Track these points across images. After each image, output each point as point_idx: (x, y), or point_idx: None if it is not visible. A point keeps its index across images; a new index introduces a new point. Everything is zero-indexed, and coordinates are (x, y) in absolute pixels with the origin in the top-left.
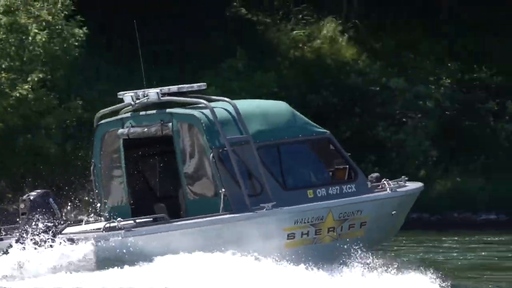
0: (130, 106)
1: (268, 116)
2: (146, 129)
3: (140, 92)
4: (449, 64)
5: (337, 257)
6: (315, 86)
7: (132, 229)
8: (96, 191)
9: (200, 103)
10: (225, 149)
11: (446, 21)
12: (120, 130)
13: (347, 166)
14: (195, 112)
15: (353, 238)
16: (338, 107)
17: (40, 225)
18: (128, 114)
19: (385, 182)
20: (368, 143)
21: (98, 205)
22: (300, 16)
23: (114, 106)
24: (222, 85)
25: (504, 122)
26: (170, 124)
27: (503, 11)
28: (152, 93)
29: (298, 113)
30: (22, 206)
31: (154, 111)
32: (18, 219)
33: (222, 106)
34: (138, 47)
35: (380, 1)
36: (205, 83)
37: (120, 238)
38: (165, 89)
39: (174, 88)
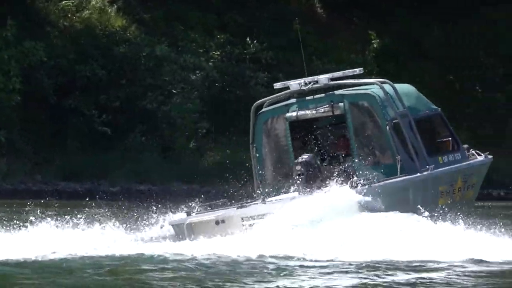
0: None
1: (409, 96)
2: (315, 111)
3: (303, 80)
4: (218, 37)
5: (462, 214)
6: (84, 56)
7: (372, 185)
8: (257, 171)
9: (375, 83)
10: (395, 121)
11: None
12: (288, 114)
13: (451, 138)
14: (370, 92)
15: (468, 197)
16: (107, 76)
17: (316, 182)
18: (293, 100)
19: (473, 151)
20: (137, 113)
21: (256, 184)
22: None
23: (274, 95)
24: None
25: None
26: (341, 104)
27: None
28: (323, 79)
29: (421, 94)
30: (298, 167)
31: (322, 95)
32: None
33: (384, 86)
34: None
35: None
36: (361, 68)
37: (369, 190)
38: (330, 75)
39: (339, 74)
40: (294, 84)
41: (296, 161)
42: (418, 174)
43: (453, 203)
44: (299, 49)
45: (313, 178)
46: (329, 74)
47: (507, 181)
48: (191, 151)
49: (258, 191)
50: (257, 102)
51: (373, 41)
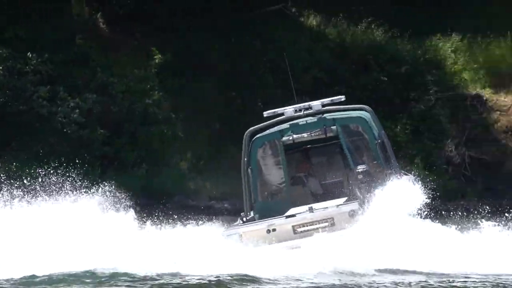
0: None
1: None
2: (309, 134)
3: (293, 107)
4: (0, 51)
5: None
6: None
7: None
8: (250, 192)
9: (365, 109)
10: (379, 140)
11: None
12: (285, 138)
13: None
14: (360, 115)
15: None
16: None
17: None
18: (286, 125)
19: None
20: None
21: (247, 204)
22: None
23: (267, 122)
24: None
25: (57, 107)
26: (334, 127)
27: None
28: (316, 105)
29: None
30: (360, 176)
31: (314, 119)
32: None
33: (369, 111)
34: None
35: None
36: (344, 96)
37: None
38: (320, 101)
39: (327, 100)
40: (289, 111)
41: (357, 170)
42: None
43: None
44: (81, 63)
45: (372, 186)
46: (319, 100)
47: None
48: None
49: (249, 211)
50: (249, 129)
51: (155, 57)
